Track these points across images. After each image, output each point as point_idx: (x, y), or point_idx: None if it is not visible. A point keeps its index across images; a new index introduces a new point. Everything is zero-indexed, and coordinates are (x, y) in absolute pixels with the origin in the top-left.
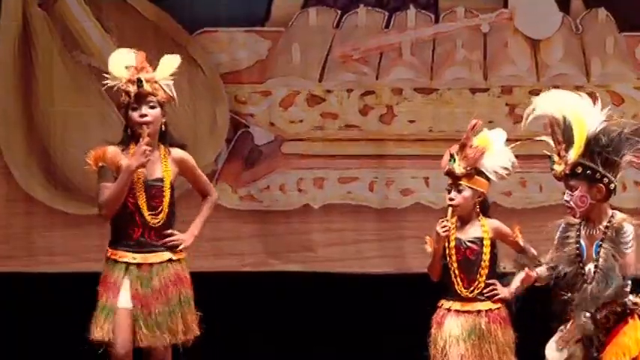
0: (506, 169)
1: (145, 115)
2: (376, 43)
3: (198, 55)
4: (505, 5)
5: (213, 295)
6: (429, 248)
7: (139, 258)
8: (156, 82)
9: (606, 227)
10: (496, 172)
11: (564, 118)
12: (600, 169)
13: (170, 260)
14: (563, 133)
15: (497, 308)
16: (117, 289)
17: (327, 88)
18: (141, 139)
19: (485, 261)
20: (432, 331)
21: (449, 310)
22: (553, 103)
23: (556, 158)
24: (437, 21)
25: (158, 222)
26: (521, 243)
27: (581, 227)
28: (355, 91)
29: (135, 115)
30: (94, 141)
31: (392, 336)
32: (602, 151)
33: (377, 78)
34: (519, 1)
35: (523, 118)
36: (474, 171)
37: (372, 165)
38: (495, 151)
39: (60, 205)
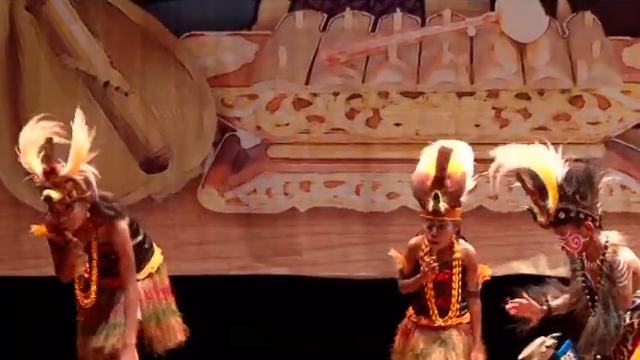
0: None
1: (65, 221)
2: (363, 46)
3: (185, 58)
4: (492, 9)
5: (200, 298)
6: (399, 265)
7: None
8: (68, 180)
9: (602, 261)
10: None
11: (529, 170)
12: (580, 208)
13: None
14: (532, 183)
15: (468, 322)
16: None
17: (314, 91)
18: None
19: (455, 287)
20: (397, 339)
21: (416, 324)
22: (514, 157)
23: (536, 210)
24: (423, 24)
25: (89, 302)
26: (476, 288)
27: (584, 260)
28: (342, 94)
29: (52, 218)
30: None
31: (377, 338)
32: (576, 191)
33: (363, 81)
34: (506, 4)
35: (491, 177)
36: (457, 203)
37: (359, 168)
38: (469, 171)
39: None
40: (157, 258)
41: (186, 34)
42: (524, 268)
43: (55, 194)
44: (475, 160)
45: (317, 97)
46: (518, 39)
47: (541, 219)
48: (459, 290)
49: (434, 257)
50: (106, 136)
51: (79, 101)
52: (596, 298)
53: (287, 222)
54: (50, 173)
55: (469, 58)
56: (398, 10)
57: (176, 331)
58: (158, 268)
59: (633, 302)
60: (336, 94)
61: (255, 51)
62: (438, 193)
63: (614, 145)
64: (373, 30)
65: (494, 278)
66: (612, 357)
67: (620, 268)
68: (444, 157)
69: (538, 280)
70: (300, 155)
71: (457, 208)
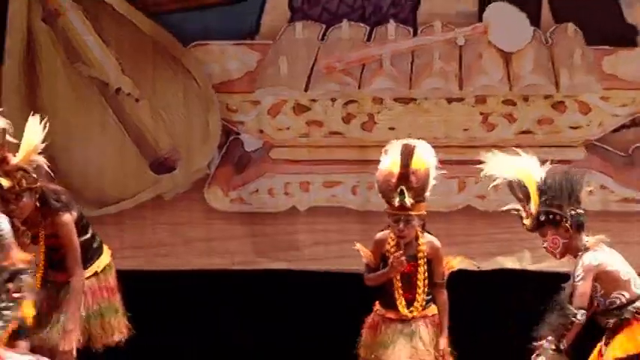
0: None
1: (13, 210)
2: (358, 55)
3: (192, 66)
4: (479, 19)
5: (205, 291)
6: (365, 259)
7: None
8: (18, 169)
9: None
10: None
11: (516, 179)
12: (558, 211)
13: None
14: (520, 191)
15: (433, 315)
16: None
17: (313, 97)
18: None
19: (421, 278)
20: (365, 332)
21: (383, 317)
22: (502, 167)
23: (524, 214)
24: (415, 34)
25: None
26: (442, 279)
27: None
28: (339, 100)
29: (2, 206)
30: (94, 148)
31: None
32: (555, 195)
33: (359, 88)
34: (493, 15)
35: (491, 185)
36: (422, 198)
37: (355, 170)
38: (432, 167)
39: None
40: (104, 258)
41: (193, 43)
42: (509, 263)
43: (5, 182)
44: (464, 162)
45: (315, 102)
46: (505, 48)
47: (527, 222)
48: (425, 282)
49: (402, 251)
50: (118, 139)
51: (93, 106)
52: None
53: (287, 220)
54: (1, 162)
55: (458, 66)
56: (391, 21)
57: (116, 329)
58: (104, 268)
59: (612, 303)
60: (333, 99)
61: (257, 59)
62: (404, 188)
63: (594, 148)
64: (368, 40)
65: (482, 272)
66: (568, 351)
67: (577, 268)
68: (407, 154)
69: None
70: (300, 157)
71: (422, 203)
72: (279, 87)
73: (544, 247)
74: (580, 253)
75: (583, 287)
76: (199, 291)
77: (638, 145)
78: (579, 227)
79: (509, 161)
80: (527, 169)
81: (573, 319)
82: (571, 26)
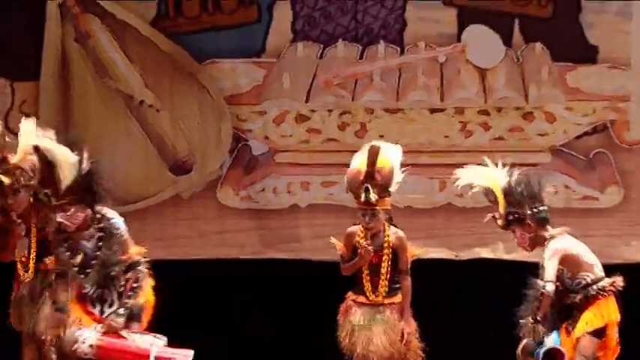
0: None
1: (12, 204)
2: (352, 71)
3: (206, 81)
4: (458, 40)
5: (217, 278)
6: (339, 251)
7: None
8: (17, 168)
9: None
10: (397, 183)
11: (486, 187)
12: (520, 210)
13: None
14: (491, 197)
15: (399, 302)
16: None
17: (312, 108)
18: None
19: (385, 267)
20: (340, 317)
21: (355, 301)
22: (474, 177)
23: (497, 215)
24: (402, 53)
25: (28, 276)
26: (406, 267)
27: None
28: (335, 111)
29: (1, 200)
30: (120, 153)
31: None
32: (519, 197)
33: (353, 100)
34: (470, 36)
35: (469, 189)
36: (386, 193)
37: None
38: (396, 166)
39: None
40: None
41: (208, 61)
42: (484, 253)
43: (5, 179)
44: (444, 164)
45: (315, 113)
46: (480, 65)
47: (499, 222)
48: (388, 269)
49: (369, 242)
50: (141, 144)
51: (120, 116)
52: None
53: (290, 216)
54: (2, 161)
55: (439, 80)
56: (381, 41)
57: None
58: None
59: (579, 283)
60: (330, 110)
61: (263, 75)
62: (369, 186)
63: (559, 153)
64: (361, 58)
65: (460, 261)
66: (538, 321)
67: (545, 252)
68: (373, 154)
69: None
70: (301, 161)
71: (387, 198)
72: (282, 99)
73: (517, 243)
74: (546, 242)
75: (550, 265)
76: (213, 279)
77: (597, 150)
78: (542, 222)
79: (478, 171)
80: (493, 177)
81: (543, 290)
82: (539, 46)
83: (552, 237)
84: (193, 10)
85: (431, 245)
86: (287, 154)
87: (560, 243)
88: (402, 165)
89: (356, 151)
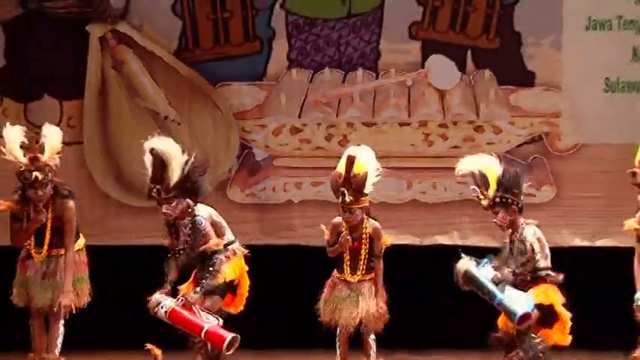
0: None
1: (40, 195)
2: (336, 92)
3: (219, 100)
4: (422, 67)
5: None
6: (326, 237)
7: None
8: (46, 165)
9: (519, 236)
10: (372, 184)
11: (479, 171)
12: (509, 195)
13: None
14: (480, 179)
15: (370, 279)
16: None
17: (304, 122)
18: (35, 213)
19: (363, 252)
20: (325, 291)
21: (339, 279)
22: (471, 163)
23: (481, 197)
24: (377, 78)
25: (42, 256)
26: (380, 252)
27: (512, 235)
28: (322, 124)
29: (31, 192)
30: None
31: None
32: (508, 185)
33: (337, 116)
34: (432, 64)
35: (457, 172)
36: (361, 194)
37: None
38: (371, 170)
39: (125, 200)
40: (81, 240)
41: (220, 84)
42: (443, 239)
43: (40, 175)
44: (411, 168)
45: (306, 126)
46: (440, 87)
47: (484, 202)
48: (366, 254)
49: (348, 232)
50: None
51: (148, 129)
52: (512, 256)
53: (286, 209)
54: (35, 160)
55: (407, 100)
56: (360, 68)
57: (83, 295)
58: (81, 248)
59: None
60: (319, 124)
61: (264, 96)
62: (344, 190)
63: (504, 159)
64: (343, 82)
65: (422, 246)
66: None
67: (529, 237)
68: (349, 162)
69: (453, 248)
70: (295, 165)
71: (362, 198)
72: (280, 115)
73: (495, 222)
74: (521, 228)
75: (546, 247)
76: None
77: (534, 156)
78: (521, 210)
79: (477, 159)
80: (491, 165)
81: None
82: (487, 72)
83: (528, 224)
84: (208, 43)
85: (400, 233)
86: (284, 160)
87: (539, 231)
88: (377, 169)
89: (339, 157)
